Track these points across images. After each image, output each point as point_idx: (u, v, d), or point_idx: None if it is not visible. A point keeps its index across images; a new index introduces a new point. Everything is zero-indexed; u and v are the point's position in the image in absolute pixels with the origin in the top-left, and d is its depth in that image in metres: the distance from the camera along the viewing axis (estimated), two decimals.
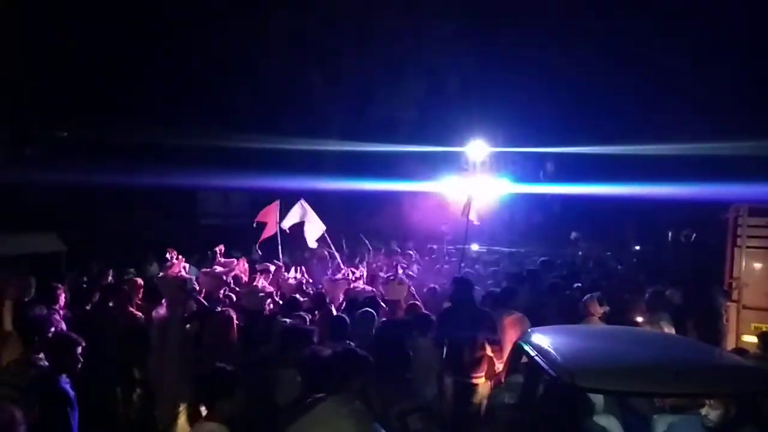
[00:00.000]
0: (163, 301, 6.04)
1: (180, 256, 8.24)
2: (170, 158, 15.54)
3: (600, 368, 3.71)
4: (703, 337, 6.36)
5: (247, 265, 9.00)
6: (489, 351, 5.67)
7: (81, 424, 4.04)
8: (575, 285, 8.41)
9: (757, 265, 8.22)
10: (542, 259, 10.61)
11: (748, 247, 8.25)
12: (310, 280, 8.99)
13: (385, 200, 19.00)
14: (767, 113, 14.70)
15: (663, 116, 17.11)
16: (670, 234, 15.86)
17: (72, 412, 3.96)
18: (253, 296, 7.00)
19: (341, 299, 7.58)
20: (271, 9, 18.64)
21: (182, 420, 4.74)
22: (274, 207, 9.80)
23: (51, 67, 15.36)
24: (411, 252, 12.65)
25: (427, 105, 20.41)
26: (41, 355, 4.33)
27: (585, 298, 6.57)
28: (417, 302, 6.91)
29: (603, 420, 4.14)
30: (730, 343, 7.48)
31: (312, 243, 9.87)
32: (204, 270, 8.64)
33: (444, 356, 5.71)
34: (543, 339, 4.35)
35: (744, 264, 8.24)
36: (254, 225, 9.96)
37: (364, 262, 10.77)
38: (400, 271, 8.91)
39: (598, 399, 4.28)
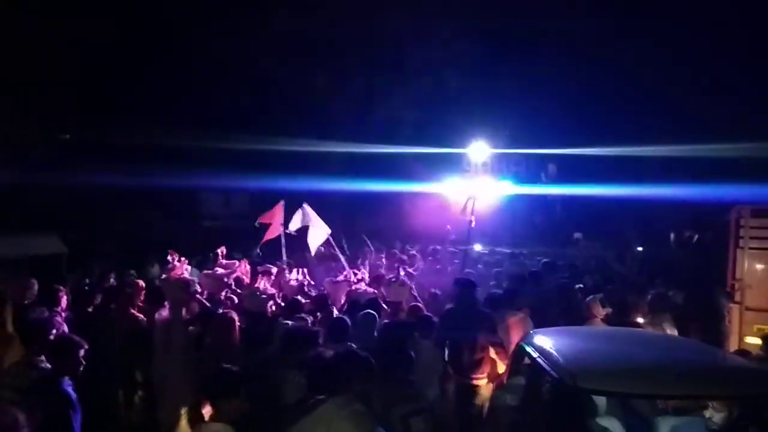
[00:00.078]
0: (166, 303, 6.05)
1: (182, 258, 8.27)
2: (171, 160, 15.56)
3: (602, 370, 3.70)
4: (705, 338, 6.34)
5: (248, 267, 9.01)
6: (492, 352, 5.67)
7: (83, 426, 4.04)
8: (577, 286, 8.39)
9: (760, 267, 8.18)
10: (544, 260, 10.60)
11: (750, 248, 8.21)
12: (312, 282, 8.99)
13: (387, 201, 19.00)
14: None
15: (665, 117, 17.11)
16: (672, 235, 15.84)
17: (74, 414, 3.96)
18: (255, 298, 7.00)
19: (343, 301, 7.58)
20: (274, 9, 18.66)
21: (184, 422, 4.73)
22: (279, 208, 9.82)
23: (52, 68, 15.38)
24: (414, 253, 12.64)
25: (428, 106, 20.42)
26: (43, 358, 4.33)
27: (587, 299, 6.56)
28: (419, 304, 6.90)
29: (605, 422, 4.13)
30: (733, 345, 7.46)
31: (315, 247, 9.88)
32: (205, 272, 8.65)
33: (446, 358, 5.71)
34: (545, 340, 4.34)
35: (746, 265, 8.20)
36: (258, 225, 9.96)
37: (366, 264, 10.76)
38: (402, 272, 8.90)
39: (600, 401, 4.27)
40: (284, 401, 4.10)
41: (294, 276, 9.04)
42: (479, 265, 11.62)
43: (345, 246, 10.85)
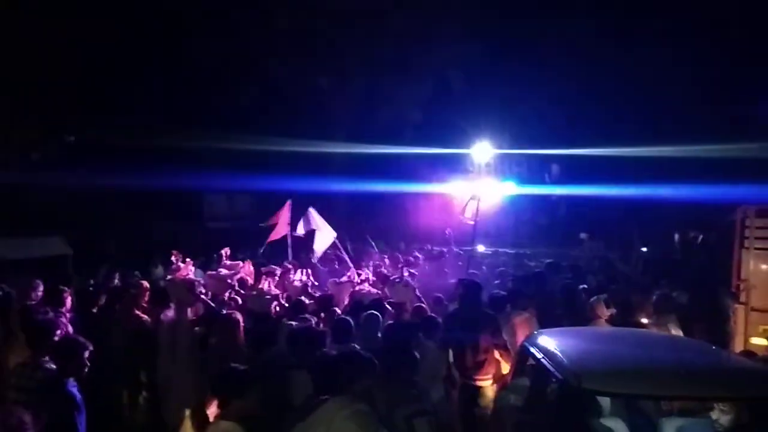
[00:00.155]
0: (171, 303, 6.06)
1: (188, 259, 8.29)
2: (175, 161, 15.60)
3: (607, 371, 3.69)
4: (710, 339, 6.30)
5: (252, 268, 9.02)
6: (497, 354, 5.66)
7: (88, 427, 4.05)
8: (580, 287, 8.37)
9: (765, 267, 8.15)
10: (548, 261, 10.57)
11: (755, 248, 8.18)
12: (316, 283, 9.00)
13: (391, 202, 19.01)
14: None
15: (669, 117, 17.06)
16: (676, 236, 15.80)
17: (79, 415, 3.97)
18: (259, 299, 7.01)
19: (346, 302, 7.58)
20: (278, 10, 18.69)
21: (189, 423, 4.75)
22: (286, 208, 9.85)
23: (57, 70, 15.44)
24: (418, 255, 12.62)
25: (432, 107, 20.42)
26: (48, 358, 4.34)
27: (591, 300, 6.54)
28: (423, 305, 6.90)
29: (610, 423, 4.12)
30: (738, 346, 7.43)
31: (321, 251, 9.90)
32: (209, 273, 8.67)
33: (451, 359, 5.70)
34: (549, 341, 4.33)
35: (752, 265, 8.18)
36: (265, 226, 9.98)
37: (370, 264, 10.76)
38: (406, 273, 8.89)
39: (605, 402, 4.25)
40: (291, 402, 4.11)
41: (298, 277, 9.05)
42: (483, 267, 11.60)
43: (349, 247, 10.87)
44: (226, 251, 9.21)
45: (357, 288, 8.19)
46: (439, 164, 19.11)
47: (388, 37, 19.20)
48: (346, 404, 3.22)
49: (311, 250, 9.98)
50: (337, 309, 6.64)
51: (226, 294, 7.65)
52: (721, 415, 4.01)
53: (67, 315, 6.14)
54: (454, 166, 19.17)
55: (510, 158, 20.58)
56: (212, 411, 3.69)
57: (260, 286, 8.03)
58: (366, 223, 15.63)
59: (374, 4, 18.81)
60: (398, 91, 20.09)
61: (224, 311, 6.18)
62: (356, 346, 4.53)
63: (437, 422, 4.02)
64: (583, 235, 17.45)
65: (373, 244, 12.82)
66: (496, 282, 9.00)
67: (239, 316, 5.52)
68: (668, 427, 3.89)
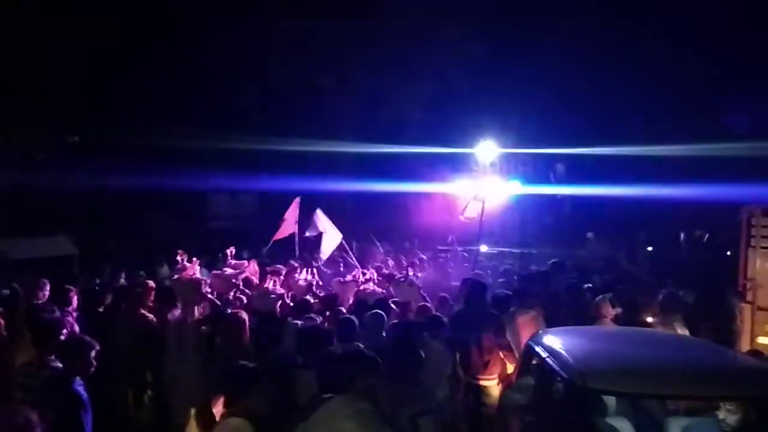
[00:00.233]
0: (177, 303, 6.08)
1: (194, 258, 8.32)
2: (179, 161, 15.65)
3: (612, 370, 3.68)
4: (716, 338, 6.27)
5: (257, 267, 9.04)
6: (501, 353, 5.66)
7: (94, 426, 4.06)
8: (585, 286, 8.35)
9: None
10: (553, 260, 10.55)
11: (762, 247, 8.14)
12: (321, 282, 9.01)
13: (396, 202, 19.00)
14: None
15: (675, 116, 16.99)
16: (682, 235, 15.73)
17: (86, 414, 3.98)
18: (264, 298, 7.02)
19: (351, 301, 7.59)
20: (281, 9, 18.71)
21: (194, 422, 4.76)
22: (294, 206, 9.86)
23: (62, 71, 15.50)
24: (423, 257, 12.61)
25: (437, 106, 20.39)
26: (54, 358, 4.36)
27: (597, 299, 6.52)
28: (428, 304, 6.90)
29: (615, 422, 4.11)
30: (744, 345, 7.39)
31: (328, 254, 9.89)
32: (214, 272, 8.69)
33: (456, 358, 5.70)
34: (554, 340, 4.32)
35: (758, 264, 8.13)
36: (280, 224, 9.99)
37: (374, 263, 10.76)
38: (411, 272, 8.89)
39: (610, 401, 4.25)
40: (296, 400, 4.12)
41: (303, 276, 9.06)
42: (488, 269, 11.58)
43: (354, 247, 10.87)
44: (231, 251, 9.22)
45: (362, 287, 8.19)
46: (443, 164, 19.09)
47: (394, 36, 19.19)
48: (349, 403, 3.22)
49: (318, 252, 9.97)
50: (341, 308, 6.65)
51: (231, 293, 7.67)
52: (727, 415, 3.99)
53: (74, 314, 6.17)
54: (459, 165, 19.14)
55: (515, 157, 20.53)
56: (218, 410, 3.70)
57: (265, 286, 8.04)
58: (371, 223, 15.62)
59: (379, 3, 18.82)
60: (402, 90, 20.07)
61: (230, 310, 6.20)
62: (360, 345, 4.53)
63: (442, 421, 4.02)
64: (589, 235, 17.40)
65: (378, 244, 12.82)
66: (501, 281, 8.99)
67: (245, 316, 5.53)
68: (674, 426, 3.88)
